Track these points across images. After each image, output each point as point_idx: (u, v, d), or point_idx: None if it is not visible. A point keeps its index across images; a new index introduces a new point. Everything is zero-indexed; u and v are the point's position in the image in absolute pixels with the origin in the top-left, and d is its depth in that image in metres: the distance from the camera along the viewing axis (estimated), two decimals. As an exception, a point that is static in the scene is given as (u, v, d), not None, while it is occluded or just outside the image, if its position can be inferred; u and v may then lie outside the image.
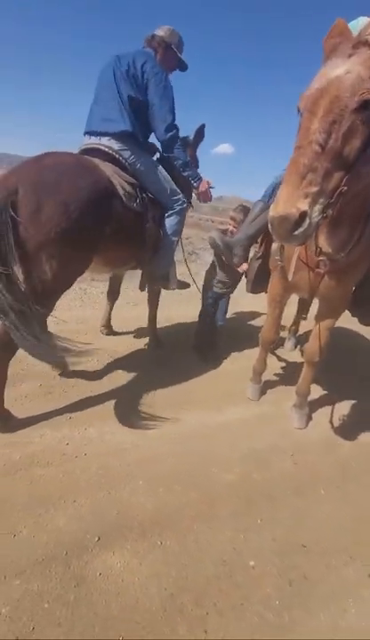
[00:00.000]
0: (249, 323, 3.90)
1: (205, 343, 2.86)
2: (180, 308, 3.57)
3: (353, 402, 2.56)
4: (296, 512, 1.63)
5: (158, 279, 2.39)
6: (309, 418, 2.28)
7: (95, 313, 3.39)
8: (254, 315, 4.06)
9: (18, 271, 1.52)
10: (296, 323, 3.33)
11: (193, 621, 1.16)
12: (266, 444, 2.03)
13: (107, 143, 1.99)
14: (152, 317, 2.88)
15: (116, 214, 1.84)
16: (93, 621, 1.11)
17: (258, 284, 2.33)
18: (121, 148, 1.99)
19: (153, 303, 2.82)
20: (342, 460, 2.00)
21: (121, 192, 1.87)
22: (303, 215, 1.03)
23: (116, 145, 1.98)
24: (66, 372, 2.33)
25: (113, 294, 2.95)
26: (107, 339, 2.96)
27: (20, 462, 1.67)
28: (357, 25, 1.76)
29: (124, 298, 3.24)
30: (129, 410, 2.13)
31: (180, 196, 2.25)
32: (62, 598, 1.16)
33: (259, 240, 2.29)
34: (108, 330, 3.02)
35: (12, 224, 1.47)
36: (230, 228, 2.55)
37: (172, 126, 2.04)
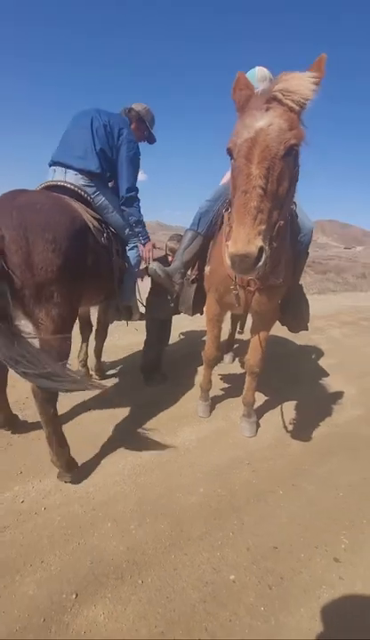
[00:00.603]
0: (189, 343, 4.04)
1: (151, 368, 2.91)
2: (128, 336, 3.56)
3: (294, 402, 2.81)
4: (262, 517, 1.73)
5: (122, 310, 2.41)
6: (258, 425, 2.44)
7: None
8: (194, 334, 4.22)
9: (20, 320, 1.45)
10: (231, 337, 3.55)
11: (188, 652, 1.16)
12: (223, 458, 2.12)
13: (72, 180, 2.01)
14: (99, 349, 2.87)
15: (92, 248, 1.84)
16: None
17: (196, 306, 2.47)
18: (86, 184, 2.03)
19: (101, 335, 2.83)
20: (294, 459, 2.17)
21: (92, 227, 1.88)
22: (261, 251, 1.18)
23: (82, 181, 2.02)
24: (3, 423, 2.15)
25: (88, 328, 2.89)
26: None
27: (-29, 533, 1.51)
28: (254, 73, 2.06)
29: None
30: (83, 450, 2.05)
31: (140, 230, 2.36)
32: (50, 670, 1.07)
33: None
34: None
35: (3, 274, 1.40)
36: (170, 258, 2.69)
37: (133, 188, 2.22)
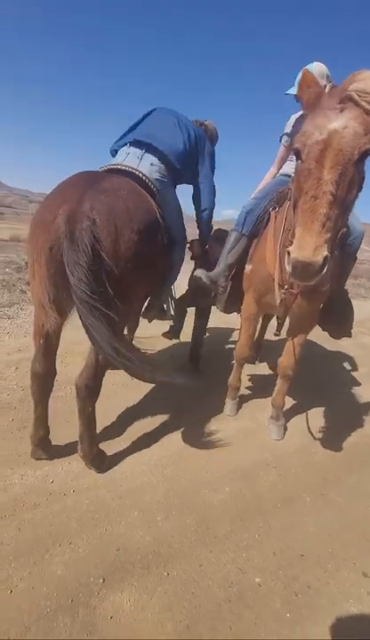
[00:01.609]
0: (217, 340, 4.00)
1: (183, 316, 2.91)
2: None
3: (323, 408, 2.74)
4: (288, 523, 1.69)
5: (157, 310, 2.35)
6: (285, 428, 2.40)
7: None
8: (221, 332, 4.19)
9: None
10: (260, 337, 3.50)
11: (213, 650, 1.15)
12: (250, 459, 2.09)
13: (146, 170, 1.88)
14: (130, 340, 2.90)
15: (159, 241, 1.80)
16: (114, 670, 1.06)
17: (231, 305, 2.43)
18: (159, 179, 1.92)
19: (132, 328, 2.88)
20: (322, 466, 2.12)
21: (160, 221, 1.84)
22: (326, 260, 1.13)
23: (156, 174, 1.91)
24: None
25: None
26: (77, 363, 2.86)
27: (4, 508, 1.55)
28: (311, 69, 1.97)
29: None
30: (111, 437, 2.08)
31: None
32: (79, 651, 1.09)
33: None
34: None
35: (96, 255, 1.37)
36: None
37: (213, 207, 2.38)
